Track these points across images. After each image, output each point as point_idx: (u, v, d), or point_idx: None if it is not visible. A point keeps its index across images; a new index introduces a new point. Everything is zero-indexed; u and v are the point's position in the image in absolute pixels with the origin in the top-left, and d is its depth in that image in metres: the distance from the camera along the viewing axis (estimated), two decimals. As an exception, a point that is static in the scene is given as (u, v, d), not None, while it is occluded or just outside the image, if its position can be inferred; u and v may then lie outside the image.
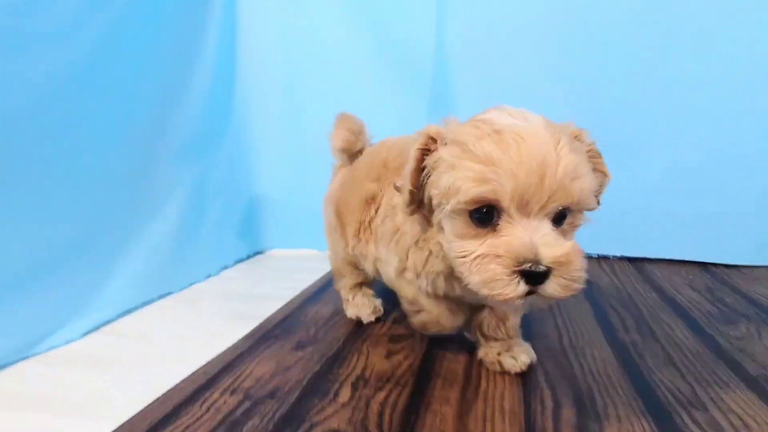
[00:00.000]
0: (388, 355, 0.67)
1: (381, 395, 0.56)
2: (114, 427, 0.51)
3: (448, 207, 0.45)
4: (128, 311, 0.87)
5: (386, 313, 0.81)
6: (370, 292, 0.81)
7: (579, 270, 0.43)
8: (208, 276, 1.09)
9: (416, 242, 0.54)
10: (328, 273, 1.02)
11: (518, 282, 0.42)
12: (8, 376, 0.64)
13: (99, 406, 0.57)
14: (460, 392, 0.57)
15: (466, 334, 0.67)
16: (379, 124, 1.14)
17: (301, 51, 1.20)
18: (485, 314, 0.62)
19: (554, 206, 0.43)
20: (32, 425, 0.54)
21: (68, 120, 0.75)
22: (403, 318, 0.71)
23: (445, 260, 0.51)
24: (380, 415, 0.52)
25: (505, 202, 0.42)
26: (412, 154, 0.48)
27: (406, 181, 0.49)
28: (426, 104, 1.14)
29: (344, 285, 0.80)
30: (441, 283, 0.55)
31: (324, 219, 0.81)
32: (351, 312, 0.78)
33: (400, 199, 0.52)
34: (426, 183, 0.49)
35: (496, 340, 0.62)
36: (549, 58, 1.08)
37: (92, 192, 0.81)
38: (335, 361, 0.65)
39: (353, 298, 0.79)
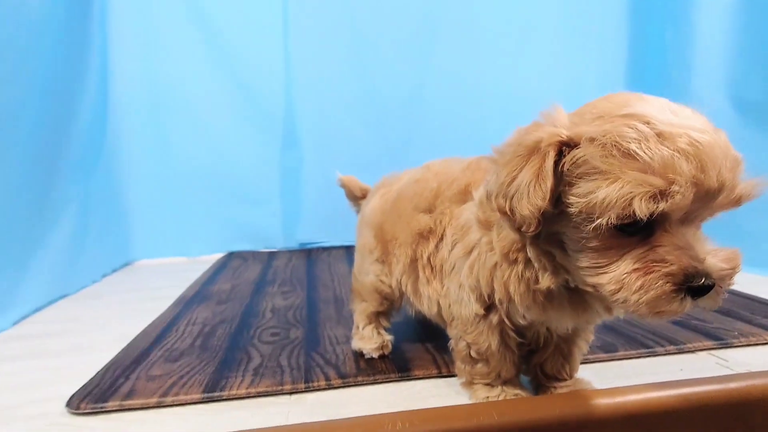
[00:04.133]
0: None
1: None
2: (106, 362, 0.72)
3: (603, 221, 0.38)
4: (37, 309, 1.00)
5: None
6: (386, 324, 0.74)
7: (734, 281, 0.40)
8: (94, 281, 1.25)
9: (506, 254, 0.48)
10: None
11: (683, 298, 0.38)
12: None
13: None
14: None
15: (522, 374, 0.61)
16: (237, 154, 1.47)
17: (166, 90, 1.46)
18: (549, 353, 0.57)
19: (719, 212, 0.40)
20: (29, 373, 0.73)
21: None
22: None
23: (555, 273, 0.45)
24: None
25: (678, 215, 0.38)
26: (546, 164, 0.40)
27: (533, 195, 0.40)
28: (279, 139, 1.52)
29: (361, 309, 0.74)
30: (537, 303, 0.48)
31: (357, 240, 0.76)
32: (355, 344, 0.72)
33: (479, 215, 0.50)
34: (562, 191, 0.41)
35: (558, 379, 0.58)
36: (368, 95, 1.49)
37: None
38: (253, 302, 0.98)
39: (363, 328, 0.73)
